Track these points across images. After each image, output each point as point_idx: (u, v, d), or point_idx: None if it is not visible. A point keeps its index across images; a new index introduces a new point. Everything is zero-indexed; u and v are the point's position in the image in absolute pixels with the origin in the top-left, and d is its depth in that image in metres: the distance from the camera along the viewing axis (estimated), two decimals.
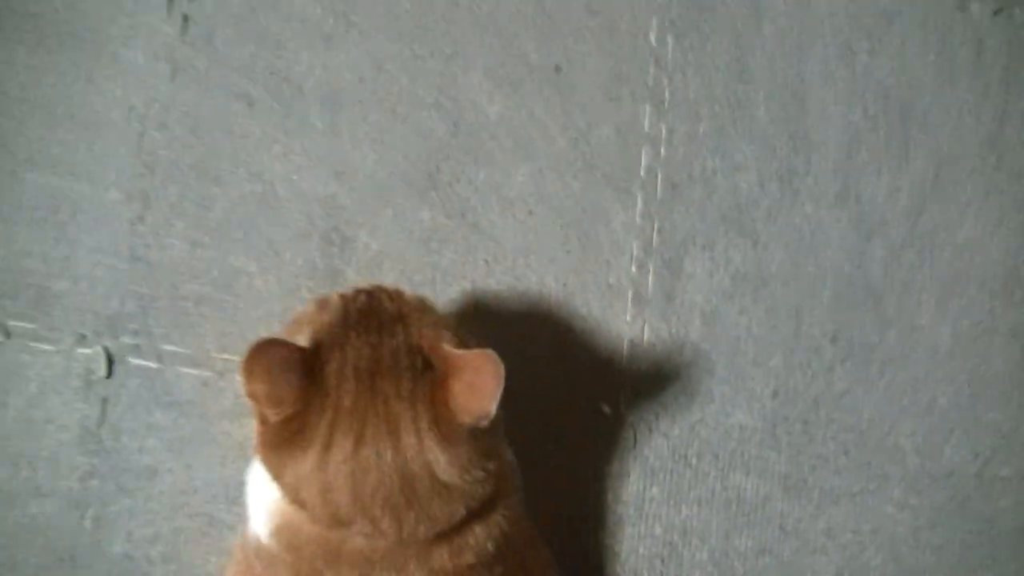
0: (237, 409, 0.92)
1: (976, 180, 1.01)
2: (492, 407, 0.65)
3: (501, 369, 0.64)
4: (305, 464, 0.66)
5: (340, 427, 0.66)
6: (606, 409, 0.93)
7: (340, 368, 0.67)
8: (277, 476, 0.68)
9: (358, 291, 0.73)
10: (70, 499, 0.91)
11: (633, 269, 0.96)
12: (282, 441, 0.67)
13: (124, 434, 0.92)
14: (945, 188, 1.01)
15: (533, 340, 0.94)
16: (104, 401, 0.92)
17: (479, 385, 0.65)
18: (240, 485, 0.78)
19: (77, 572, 0.90)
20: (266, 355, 0.64)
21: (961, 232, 1.01)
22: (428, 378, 0.67)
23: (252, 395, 0.65)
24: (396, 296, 0.73)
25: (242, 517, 0.79)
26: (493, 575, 0.73)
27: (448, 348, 0.67)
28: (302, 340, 0.68)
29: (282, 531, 0.71)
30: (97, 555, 0.90)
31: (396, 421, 0.66)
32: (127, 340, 0.93)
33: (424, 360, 0.68)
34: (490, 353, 0.65)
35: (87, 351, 0.93)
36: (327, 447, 0.66)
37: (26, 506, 0.90)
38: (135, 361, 0.93)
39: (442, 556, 0.70)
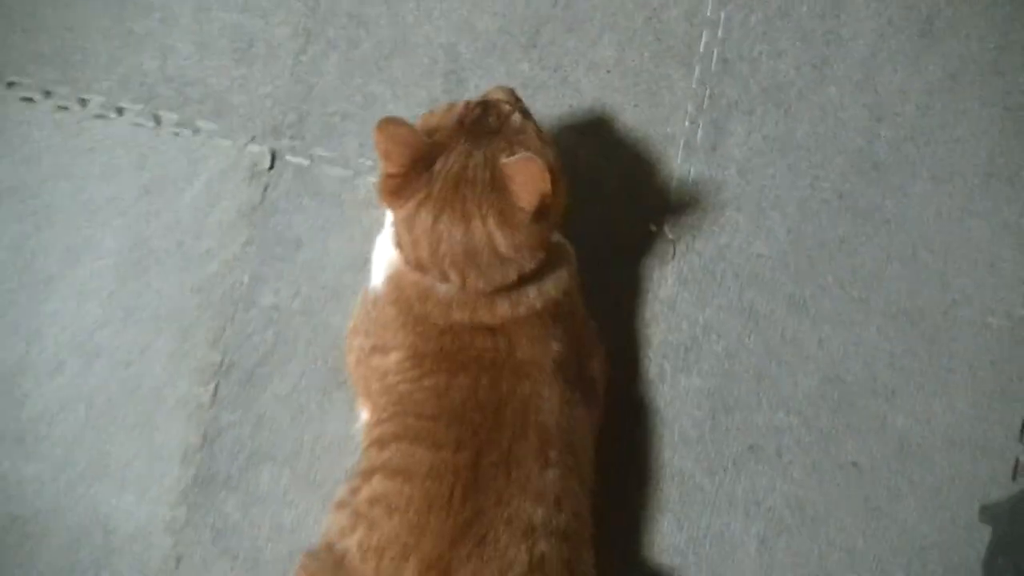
0: (368, 201, 1.18)
1: (976, 93, 1.23)
2: (536, 198, 0.89)
3: (544, 171, 0.88)
4: (400, 216, 0.93)
5: (425, 206, 0.92)
6: (654, 228, 1.18)
7: (440, 167, 0.92)
8: (392, 210, 0.94)
9: (478, 103, 0.98)
10: (231, 261, 1.18)
11: (686, 124, 1.20)
12: (390, 191, 0.93)
13: (278, 213, 1.19)
14: (950, 94, 1.23)
15: (602, 168, 1.19)
16: (265, 187, 1.19)
17: (528, 183, 0.89)
18: (364, 261, 1.05)
19: (236, 318, 1.17)
20: (393, 124, 0.91)
21: (956, 131, 1.23)
22: (499, 184, 0.91)
23: (376, 146, 0.91)
24: (503, 116, 0.98)
25: (363, 281, 1.06)
26: (547, 329, 0.98)
27: (506, 159, 0.91)
28: (424, 127, 0.95)
29: (392, 277, 0.98)
30: (250, 304, 1.18)
31: (468, 215, 0.91)
32: (286, 143, 1.20)
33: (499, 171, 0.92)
34: (533, 157, 0.89)
35: (255, 148, 1.20)
36: (415, 215, 0.92)
37: (198, 268, 1.18)
38: (292, 159, 1.20)
39: (503, 305, 0.96)
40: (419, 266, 0.94)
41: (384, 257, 1.00)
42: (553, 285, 0.97)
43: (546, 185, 0.88)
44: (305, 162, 1.20)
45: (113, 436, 1.15)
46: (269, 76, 1.21)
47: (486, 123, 0.95)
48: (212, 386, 1.16)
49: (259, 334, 1.16)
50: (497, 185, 0.91)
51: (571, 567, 0.93)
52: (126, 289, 1.17)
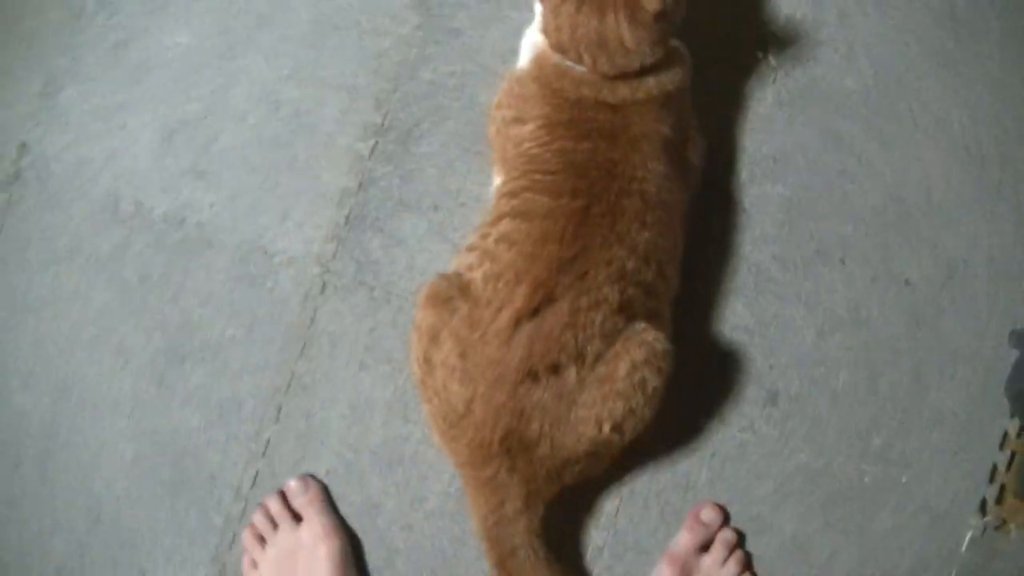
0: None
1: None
2: (659, 4, 1.06)
3: None
4: (549, 6, 1.12)
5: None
6: (760, 55, 1.37)
7: None
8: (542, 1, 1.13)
9: None
10: (402, 40, 1.39)
11: None
12: None
13: (445, 6, 1.39)
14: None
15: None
16: None
17: None
18: (511, 51, 1.25)
19: (399, 87, 1.39)
20: None
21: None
22: None
23: None
24: None
25: (509, 67, 1.25)
26: (658, 114, 1.15)
27: None
28: None
29: (536, 58, 1.18)
30: (412, 77, 1.38)
31: (604, 9, 1.08)
32: None
33: None
34: None
35: None
36: (560, 5, 1.10)
37: (373, 42, 1.40)
38: None
39: (624, 89, 1.14)
40: (559, 48, 1.13)
41: (531, 42, 1.20)
42: (668, 79, 1.15)
43: None
44: None
45: (284, 174, 1.37)
46: None
47: None
48: (372, 142, 1.37)
49: (417, 103, 1.38)
50: None
51: (651, 316, 1.12)
52: (310, 53, 1.40)
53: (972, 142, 1.35)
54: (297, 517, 1.24)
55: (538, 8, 1.15)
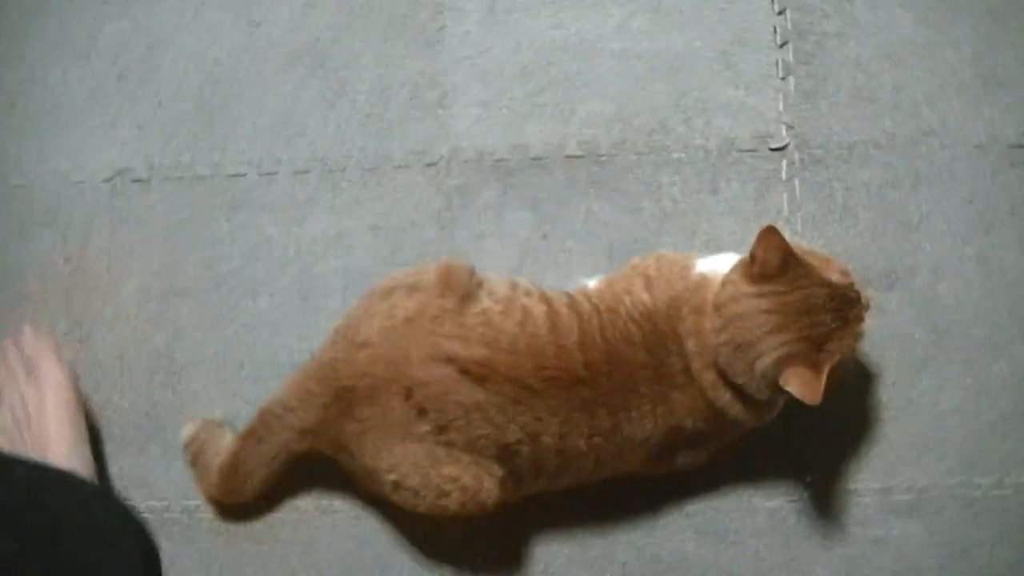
0: None
1: None
2: (798, 394, 1.01)
3: (817, 394, 1.01)
4: (745, 288, 1.06)
5: (767, 298, 1.04)
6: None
7: (800, 289, 1.04)
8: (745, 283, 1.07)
9: (854, 291, 1.07)
10: None
11: None
12: (750, 276, 1.05)
13: None
14: None
15: None
16: None
17: (803, 387, 1.02)
18: None
19: None
20: (776, 235, 1.03)
21: None
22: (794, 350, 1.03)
23: (760, 244, 1.03)
24: (858, 318, 1.06)
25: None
26: (710, 417, 1.12)
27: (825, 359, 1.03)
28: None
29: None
30: None
31: (772, 338, 1.03)
32: None
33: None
34: (817, 387, 1.01)
35: None
36: (751, 296, 1.05)
37: None
38: None
39: (712, 379, 1.09)
40: (716, 308, 1.07)
41: (721, 264, 1.12)
42: (741, 411, 1.11)
43: (814, 399, 1.01)
44: None
45: None
46: None
47: (848, 307, 1.06)
48: None
49: None
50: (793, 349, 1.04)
51: (513, 475, 1.12)
52: None
53: None
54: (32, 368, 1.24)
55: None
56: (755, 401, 1.09)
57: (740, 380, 1.07)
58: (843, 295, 1.06)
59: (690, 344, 1.09)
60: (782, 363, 1.03)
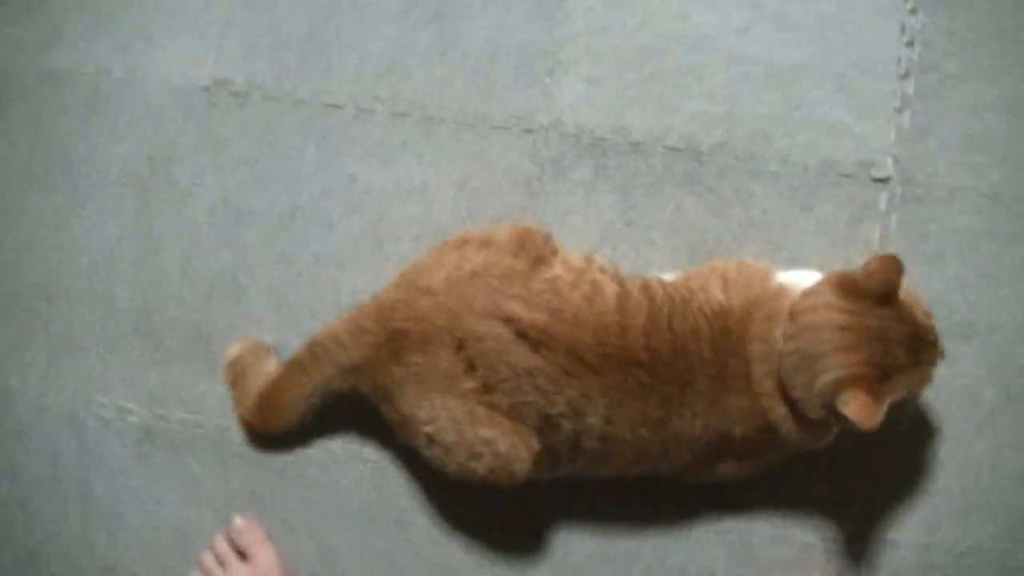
0: None
1: None
2: (852, 422, 0.99)
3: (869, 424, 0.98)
4: (826, 304, 1.03)
5: (840, 318, 1.01)
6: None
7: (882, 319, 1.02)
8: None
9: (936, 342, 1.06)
10: None
11: None
12: (842, 289, 1.03)
13: None
14: None
15: None
16: None
17: (858, 414, 0.99)
18: None
19: None
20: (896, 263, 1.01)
21: None
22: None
23: (877, 264, 1.01)
24: (933, 362, 1.05)
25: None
26: (758, 427, 1.09)
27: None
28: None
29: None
30: None
31: (834, 366, 1.01)
32: None
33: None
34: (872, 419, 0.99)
35: None
36: (828, 314, 1.02)
37: None
38: None
39: (771, 390, 1.07)
40: (793, 315, 1.05)
41: (802, 279, 1.11)
42: (792, 429, 1.08)
43: (870, 424, 0.99)
44: None
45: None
46: None
47: (924, 349, 1.04)
48: None
49: None
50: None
51: (551, 451, 1.11)
52: None
53: None
54: (242, 555, 1.27)
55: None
56: (808, 421, 1.06)
57: (798, 394, 1.04)
58: (922, 336, 1.03)
59: (756, 348, 1.06)
60: (844, 383, 1.00)
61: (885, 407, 0.99)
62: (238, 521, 1.27)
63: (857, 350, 1.01)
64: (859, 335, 1.01)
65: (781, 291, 1.09)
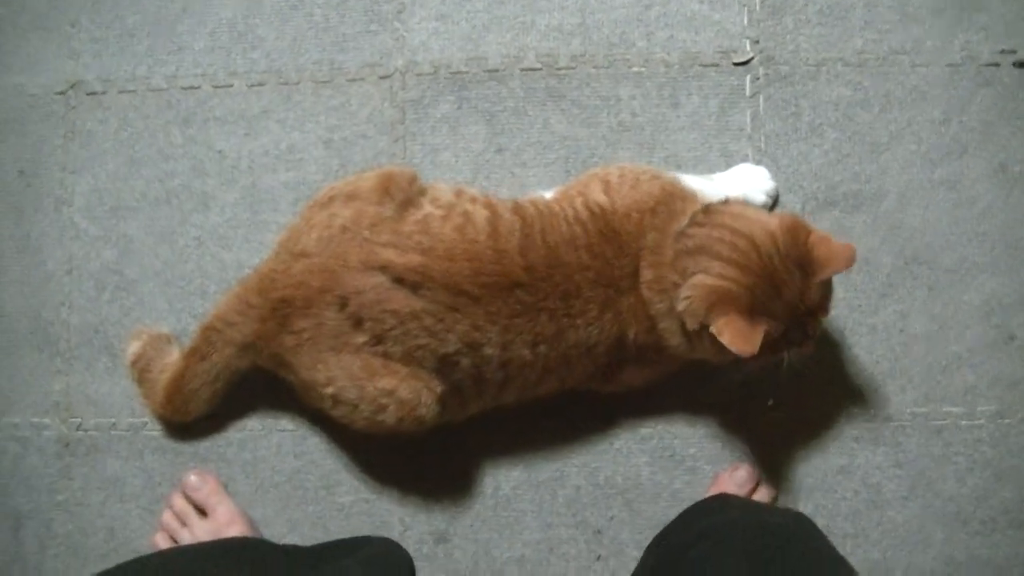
0: None
1: None
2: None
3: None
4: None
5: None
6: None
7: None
8: None
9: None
10: None
11: None
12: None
13: None
14: None
15: None
16: None
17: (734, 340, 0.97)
18: None
19: None
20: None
21: None
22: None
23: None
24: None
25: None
26: (648, 327, 1.09)
27: None
28: None
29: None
30: None
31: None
32: None
33: None
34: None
35: None
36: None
37: None
38: None
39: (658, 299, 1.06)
40: (708, 210, 1.06)
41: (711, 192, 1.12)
42: (675, 332, 1.08)
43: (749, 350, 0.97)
44: None
45: None
46: None
47: (798, 328, 1.03)
48: None
49: None
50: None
51: (453, 390, 1.10)
52: None
53: None
54: (201, 511, 1.24)
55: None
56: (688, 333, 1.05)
57: (675, 280, 1.03)
58: (806, 320, 1.02)
59: (649, 238, 1.05)
60: (716, 291, 0.99)
61: (760, 333, 0.97)
62: (192, 478, 1.25)
63: (748, 274, 1.00)
64: (761, 267, 1.00)
65: (692, 195, 1.09)
